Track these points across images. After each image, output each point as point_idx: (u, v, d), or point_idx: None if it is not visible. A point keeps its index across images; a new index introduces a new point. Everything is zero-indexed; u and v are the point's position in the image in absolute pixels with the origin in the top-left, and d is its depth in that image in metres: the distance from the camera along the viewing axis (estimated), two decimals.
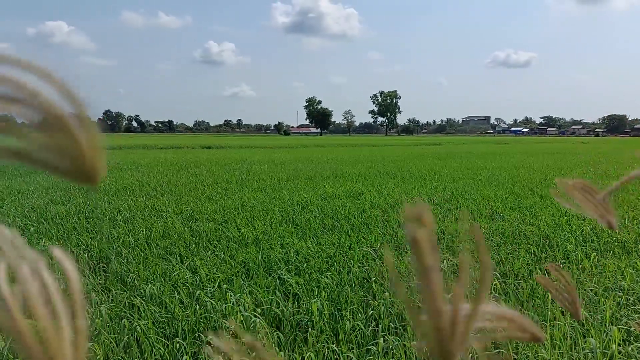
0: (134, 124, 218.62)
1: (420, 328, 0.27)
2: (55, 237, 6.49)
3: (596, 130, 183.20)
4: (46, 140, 0.26)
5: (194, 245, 6.03)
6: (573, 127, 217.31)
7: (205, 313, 3.86)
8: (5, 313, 0.27)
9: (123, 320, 3.68)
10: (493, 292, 4.46)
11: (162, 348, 3.37)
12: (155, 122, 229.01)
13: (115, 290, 4.54)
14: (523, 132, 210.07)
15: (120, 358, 3.23)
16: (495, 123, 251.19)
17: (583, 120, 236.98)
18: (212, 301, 4.02)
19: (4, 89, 0.25)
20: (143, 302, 4.12)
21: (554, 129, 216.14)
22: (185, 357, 3.25)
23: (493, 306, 0.31)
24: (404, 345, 3.38)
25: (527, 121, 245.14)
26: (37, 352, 0.28)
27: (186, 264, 5.24)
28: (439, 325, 0.27)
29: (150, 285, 4.53)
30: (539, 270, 5.12)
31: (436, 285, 0.26)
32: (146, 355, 3.30)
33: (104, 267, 5.32)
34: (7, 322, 0.27)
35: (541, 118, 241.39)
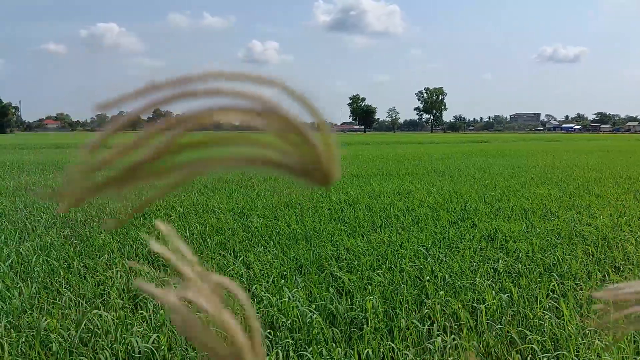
0: None
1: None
2: (114, 232, 6.75)
3: None
4: (289, 148, 0.29)
5: (246, 241, 6.15)
6: (628, 123, 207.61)
7: (262, 307, 3.95)
8: (194, 328, 0.31)
9: None
10: (551, 293, 4.36)
11: None
12: None
13: (174, 283, 4.69)
14: (575, 129, 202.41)
15: (183, 349, 3.35)
16: (546, 120, 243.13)
17: (639, 117, 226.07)
18: (269, 295, 4.11)
19: (250, 104, 0.29)
20: None
21: (607, 125, 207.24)
22: None
23: None
24: (461, 345, 3.35)
25: (579, 118, 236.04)
26: (226, 352, 0.32)
27: (240, 259, 5.36)
28: None
29: None
30: (597, 272, 4.96)
31: None
32: None
33: (162, 260, 5.50)
34: (197, 336, 0.31)
35: (594, 114, 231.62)
